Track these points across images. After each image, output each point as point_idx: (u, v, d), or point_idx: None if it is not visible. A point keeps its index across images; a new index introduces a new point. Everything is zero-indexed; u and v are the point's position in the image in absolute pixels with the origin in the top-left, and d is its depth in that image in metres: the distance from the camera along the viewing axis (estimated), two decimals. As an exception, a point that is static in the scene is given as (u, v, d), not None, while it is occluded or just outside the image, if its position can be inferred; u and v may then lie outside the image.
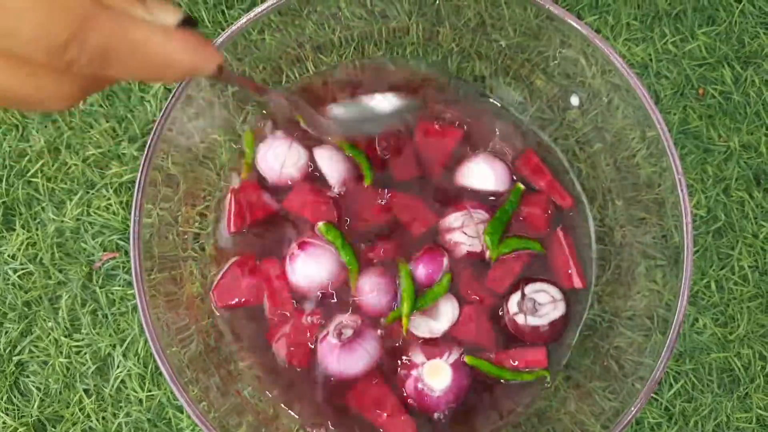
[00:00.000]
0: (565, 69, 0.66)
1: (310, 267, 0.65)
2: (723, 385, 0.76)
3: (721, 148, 0.80)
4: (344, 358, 0.63)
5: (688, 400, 0.76)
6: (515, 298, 0.65)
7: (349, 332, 0.63)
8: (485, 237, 0.66)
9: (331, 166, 0.67)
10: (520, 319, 0.64)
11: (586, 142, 0.69)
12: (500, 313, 0.66)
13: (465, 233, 0.66)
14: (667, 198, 0.61)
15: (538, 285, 0.65)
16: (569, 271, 0.67)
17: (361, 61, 0.72)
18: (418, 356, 0.64)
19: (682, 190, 0.58)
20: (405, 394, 0.64)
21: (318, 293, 0.65)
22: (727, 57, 0.81)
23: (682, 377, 0.76)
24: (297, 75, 0.70)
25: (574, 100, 0.67)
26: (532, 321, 0.64)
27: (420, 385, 0.63)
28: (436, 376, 0.63)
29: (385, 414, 0.64)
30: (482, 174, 0.68)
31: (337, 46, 0.70)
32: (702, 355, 0.76)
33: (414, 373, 0.63)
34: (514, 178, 0.69)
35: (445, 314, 0.65)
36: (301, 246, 0.65)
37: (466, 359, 0.64)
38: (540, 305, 0.65)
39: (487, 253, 0.66)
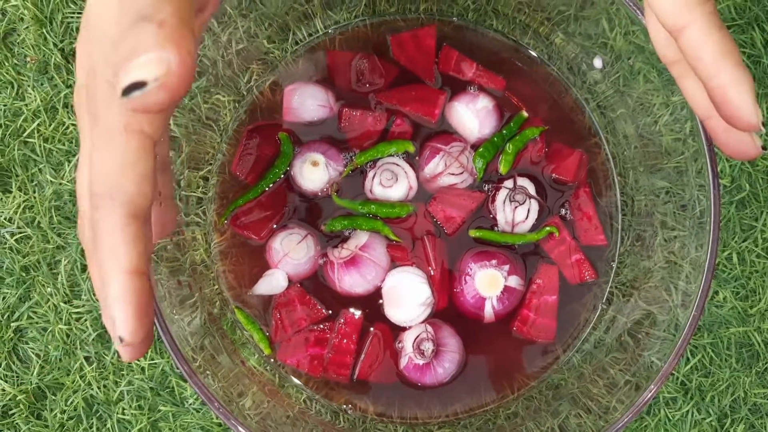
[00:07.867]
0: (587, 29, 0.63)
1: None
2: (742, 360, 0.74)
3: (747, 115, 0.76)
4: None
5: (705, 375, 0.74)
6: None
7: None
8: (475, 159, 0.64)
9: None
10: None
11: (607, 107, 0.66)
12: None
13: (453, 174, 0.64)
14: (689, 166, 0.58)
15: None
16: (593, 228, 0.66)
17: (371, 20, 0.68)
18: None
19: (710, 158, 0.55)
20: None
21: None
22: (758, 18, 0.77)
23: (699, 351, 0.74)
24: (305, 34, 0.67)
25: (598, 63, 0.64)
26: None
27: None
28: None
29: None
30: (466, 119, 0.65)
31: (347, 2, 0.66)
32: (721, 329, 0.74)
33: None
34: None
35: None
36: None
37: (471, 233, 0.64)
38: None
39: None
